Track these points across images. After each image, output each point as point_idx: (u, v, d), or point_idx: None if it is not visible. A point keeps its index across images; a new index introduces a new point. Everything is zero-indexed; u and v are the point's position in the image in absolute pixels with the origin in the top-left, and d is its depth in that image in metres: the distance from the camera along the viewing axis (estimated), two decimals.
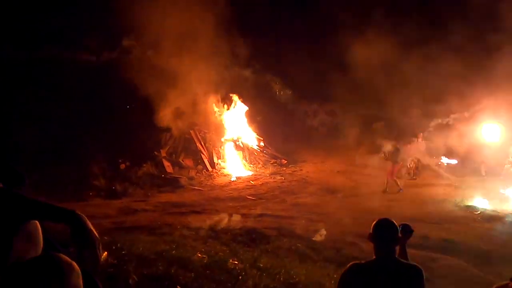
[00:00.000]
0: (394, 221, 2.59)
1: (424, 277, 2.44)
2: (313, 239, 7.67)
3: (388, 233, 2.51)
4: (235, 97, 18.33)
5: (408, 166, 14.10)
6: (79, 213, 1.42)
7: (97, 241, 1.41)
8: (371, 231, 2.56)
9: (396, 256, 2.58)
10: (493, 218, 9.47)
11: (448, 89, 14.03)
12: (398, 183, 12.38)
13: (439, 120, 14.43)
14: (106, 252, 2.30)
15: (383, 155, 12.67)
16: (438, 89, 15.35)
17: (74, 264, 1.25)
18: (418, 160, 14.27)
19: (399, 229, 2.67)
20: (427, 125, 14.50)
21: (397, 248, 2.64)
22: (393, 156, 12.39)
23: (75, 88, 13.99)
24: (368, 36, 15.49)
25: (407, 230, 2.86)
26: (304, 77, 19.00)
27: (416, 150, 13.81)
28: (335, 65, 17.21)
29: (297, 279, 5.07)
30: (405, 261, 2.61)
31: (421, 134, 14.13)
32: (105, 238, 5.05)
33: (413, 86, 15.68)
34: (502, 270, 6.49)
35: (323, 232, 7.99)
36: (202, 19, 14.72)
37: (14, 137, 11.77)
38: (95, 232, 1.41)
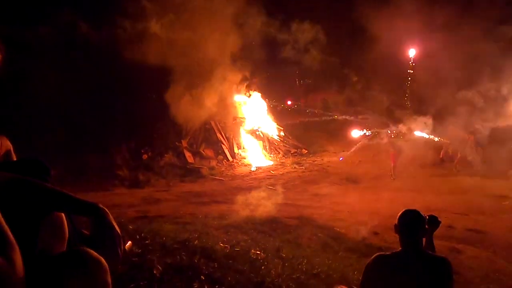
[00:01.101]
0: (421, 212, 2.50)
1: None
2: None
3: (414, 225, 2.43)
4: (255, 88, 18.30)
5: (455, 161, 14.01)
6: (102, 206, 1.38)
7: (118, 238, 1.36)
8: (396, 222, 2.49)
9: (423, 248, 2.51)
10: None
11: None
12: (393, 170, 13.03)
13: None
14: (130, 242, 2.29)
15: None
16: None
17: (102, 260, 1.24)
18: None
19: (426, 220, 2.59)
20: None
21: (424, 239, 2.57)
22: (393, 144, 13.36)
23: (99, 80, 14.20)
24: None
25: (434, 222, 2.76)
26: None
27: (465, 145, 13.88)
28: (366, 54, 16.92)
29: (319, 269, 5.03)
30: (432, 253, 2.54)
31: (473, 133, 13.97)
32: (130, 227, 5.13)
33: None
34: None
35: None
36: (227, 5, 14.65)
37: (39, 129, 12.09)
38: (117, 228, 1.37)
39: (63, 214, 1.48)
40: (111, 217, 1.36)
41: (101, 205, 1.36)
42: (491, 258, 6.50)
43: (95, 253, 1.24)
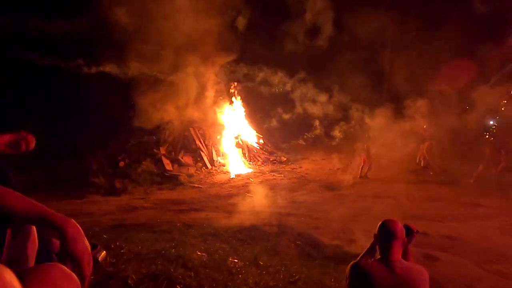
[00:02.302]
0: (399, 222, 2.56)
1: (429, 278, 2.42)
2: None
3: (393, 235, 2.48)
4: (235, 94, 18.33)
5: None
6: (74, 222, 1.29)
7: (88, 257, 1.28)
8: (376, 232, 2.54)
9: (401, 257, 2.55)
10: (494, 215, 9.44)
11: None
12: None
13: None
14: (104, 252, 2.23)
15: None
16: None
17: (73, 275, 1.18)
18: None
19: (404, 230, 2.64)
20: None
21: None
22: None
23: (73, 86, 13.93)
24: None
25: (411, 232, 2.82)
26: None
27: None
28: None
29: (297, 277, 5.04)
30: (409, 262, 2.58)
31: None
32: (104, 236, 5.02)
33: None
34: (502, 268, 6.49)
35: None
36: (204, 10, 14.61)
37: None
38: (88, 247, 1.29)
39: (33, 226, 1.41)
40: (81, 234, 1.28)
41: (72, 221, 1.28)
42: (464, 264, 6.66)
43: (66, 268, 1.18)
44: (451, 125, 13.70)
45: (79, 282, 1.19)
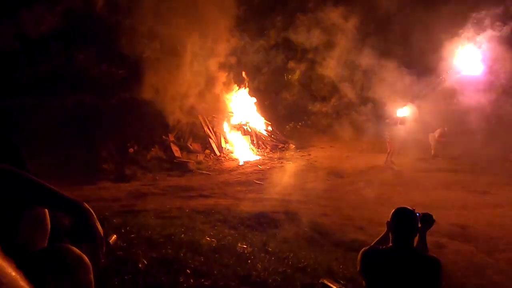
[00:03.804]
0: (414, 210, 2.51)
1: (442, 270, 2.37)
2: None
3: (406, 223, 2.44)
4: (243, 81, 18.25)
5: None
6: (86, 206, 1.31)
7: (100, 240, 1.30)
8: (389, 219, 2.50)
9: (415, 247, 2.52)
10: (503, 204, 9.36)
11: None
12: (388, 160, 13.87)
13: None
14: (115, 236, 2.26)
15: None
16: None
17: (84, 257, 1.20)
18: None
19: (419, 218, 2.61)
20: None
21: (417, 238, 2.58)
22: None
23: (84, 72, 13.96)
24: None
25: (428, 220, 2.73)
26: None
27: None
28: None
29: (305, 263, 5.08)
30: (423, 252, 2.55)
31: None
32: (115, 221, 5.09)
33: None
34: (511, 256, 6.46)
35: None
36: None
37: (23, 122, 11.84)
38: (100, 230, 1.31)
39: (45, 209, 1.43)
40: (94, 218, 1.30)
41: (85, 205, 1.30)
42: (472, 252, 6.64)
43: (77, 251, 1.20)
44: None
45: (89, 264, 1.21)
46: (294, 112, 20.50)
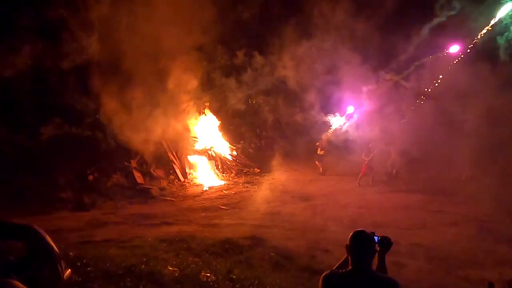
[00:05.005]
0: (370, 233, 2.57)
1: None
2: None
3: (364, 246, 2.49)
4: (207, 107, 18.28)
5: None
6: (36, 227, 1.27)
7: (58, 257, 1.26)
8: (348, 242, 2.54)
9: (373, 269, 2.56)
10: (459, 222, 9.76)
11: None
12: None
13: None
14: (69, 270, 2.15)
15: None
16: None
17: None
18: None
19: (377, 241, 2.66)
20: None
21: (377, 260, 2.63)
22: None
23: (40, 98, 13.50)
24: None
25: (387, 243, 2.78)
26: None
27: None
28: None
29: None
30: (381, 274, 2.60)
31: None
32: (71, 253, 4.83)
33: None
34: (468, 274, 6.70)
35: None
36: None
37: None
38: (55, 248, 1.27)
39: None
40: (47, 237, 1.27)
41: (35, 226, 1.27)
42: (432, 270, 6.84)
43: (20, 285, 1.14)
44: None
45: None
46: (259, 136, 20.72)
